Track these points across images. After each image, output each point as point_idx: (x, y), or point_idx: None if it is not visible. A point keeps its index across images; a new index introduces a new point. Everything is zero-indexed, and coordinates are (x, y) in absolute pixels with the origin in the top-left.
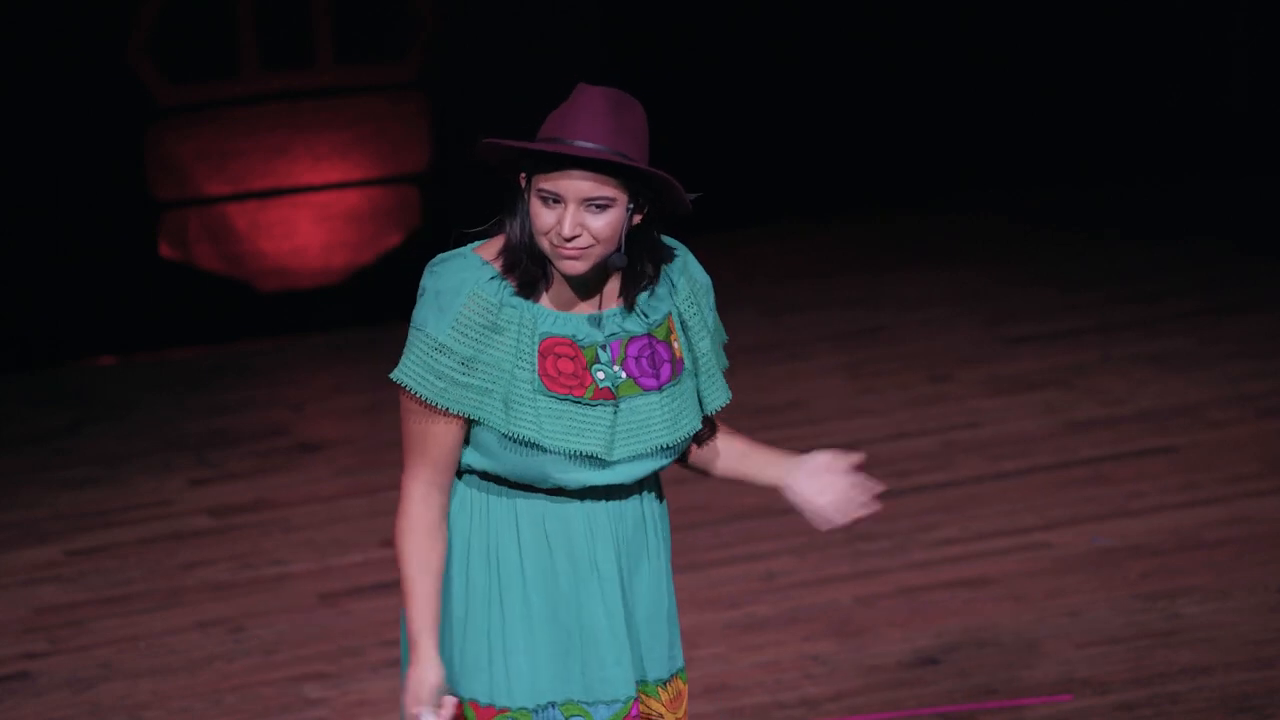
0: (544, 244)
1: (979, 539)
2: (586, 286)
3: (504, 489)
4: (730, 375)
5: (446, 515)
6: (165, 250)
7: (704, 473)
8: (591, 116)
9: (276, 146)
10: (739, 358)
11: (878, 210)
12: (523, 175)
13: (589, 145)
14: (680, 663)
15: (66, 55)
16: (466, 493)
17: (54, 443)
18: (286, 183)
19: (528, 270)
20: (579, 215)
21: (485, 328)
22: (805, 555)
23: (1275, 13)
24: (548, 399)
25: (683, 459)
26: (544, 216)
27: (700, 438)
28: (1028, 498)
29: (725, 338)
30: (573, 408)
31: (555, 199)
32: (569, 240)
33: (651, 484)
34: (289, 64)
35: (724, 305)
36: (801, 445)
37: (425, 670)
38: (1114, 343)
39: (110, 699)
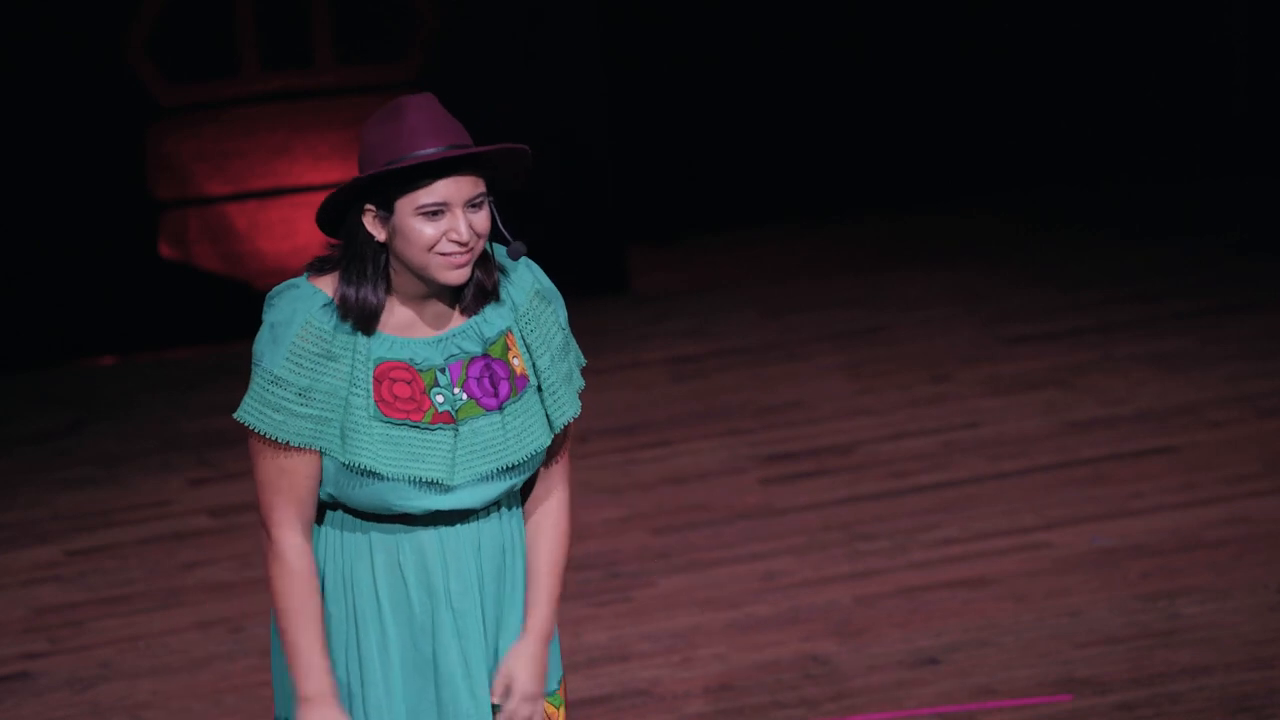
0: (425, 260)
1: (979, 539)
2: (426, 309)
3: (356, 521)
4: (731, 374)
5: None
6: (165, 250)
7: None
8: (434, 121)
9: (276, 146)
10: (740, 357)
11: (878, 210)
12: (370, 211)
13: (457, 147)
14: (553, 686)
15: (66, 55)
16: (318, 528)
17: (54, 443)
18: (286, 183)
19: (366, 312)
20: (467, 217)
21: (320, 356)
22: (805, 555)
23: (1275, 13)
24: (384, 425)
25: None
26: (427, 232)
27: (536, 483)
28: (1028, 498)
29: (582, 361)
30: (410, 433)
31: (439, 209)
32: (465, 244)
33: (511, 512)
34: (289, 64)
35: (724, 305)
36: (802, 445)
37: None
38: (1114, 343)
39: (110, 699)
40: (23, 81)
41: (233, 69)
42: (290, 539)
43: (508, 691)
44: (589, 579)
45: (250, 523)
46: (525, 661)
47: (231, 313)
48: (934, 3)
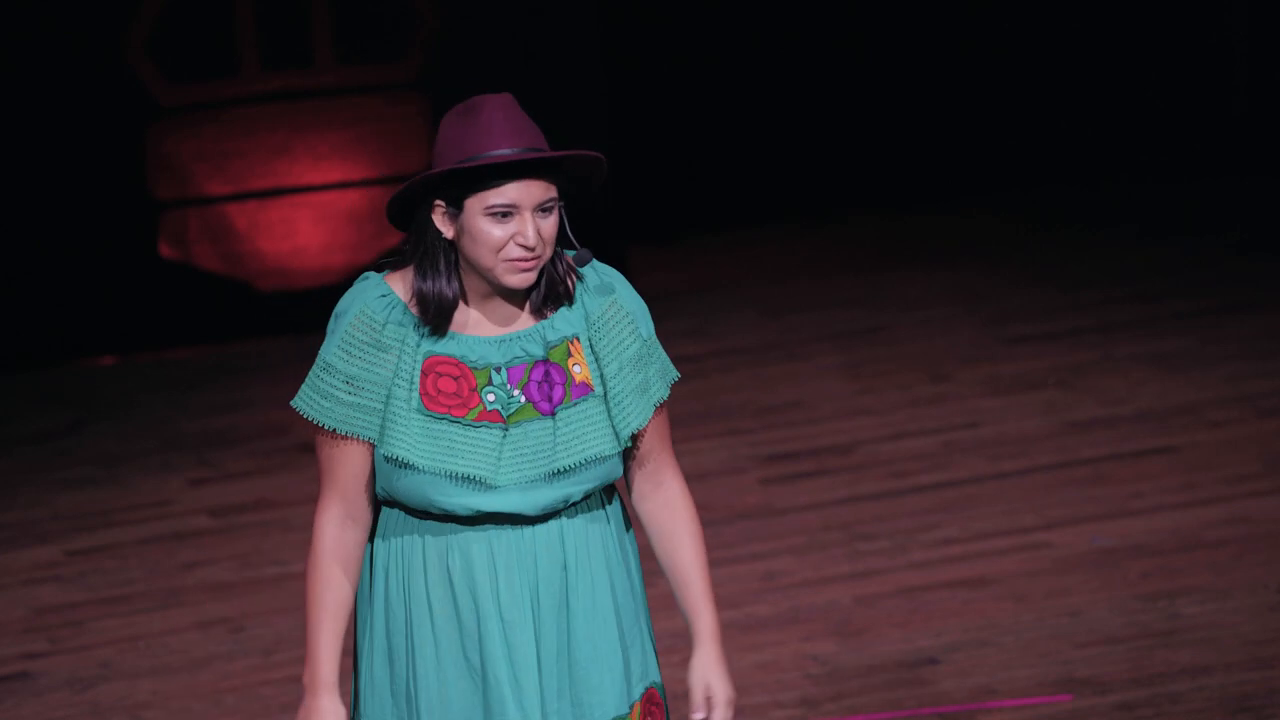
0: (491, 262)
1: (979, 539)
2: (495, 308)
3: (411, 519)
4: (731, 374)
5: (360, 550)
6: (165, 250)
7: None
8: (510, 122)
9: (276, 146)
10: (740, 357)
11: (877, 210)
12: (440, 207)
13: (532, 150)
14: (623, 709)
15: (66, 55)
16: (386, 522)
17: (54, 443)
18: (286, 183)
19: (444, 306)
20: (535, 222)
21: (369, 345)
22: (805, 555)
23: (1275, 13)
24: (424, 418)
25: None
26: (495, 234)
27: (650, 497)
28: (1028, 498)
29: (672, 375)
30: (451, 428)
31: (508, 211)
32: (532, 249)
33: (581, 523)
34: (289, 64)
35: (724, 305)
36: (802, 445)
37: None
38: (1114, 343)
39: (110, 699)
40: (23, 81)
41: (233, 69)
42: (327, 527)
43: (710, 703)
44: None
45: (250, 522)
46: (713, 667)
47: (231, 313)
48: (934, 3)
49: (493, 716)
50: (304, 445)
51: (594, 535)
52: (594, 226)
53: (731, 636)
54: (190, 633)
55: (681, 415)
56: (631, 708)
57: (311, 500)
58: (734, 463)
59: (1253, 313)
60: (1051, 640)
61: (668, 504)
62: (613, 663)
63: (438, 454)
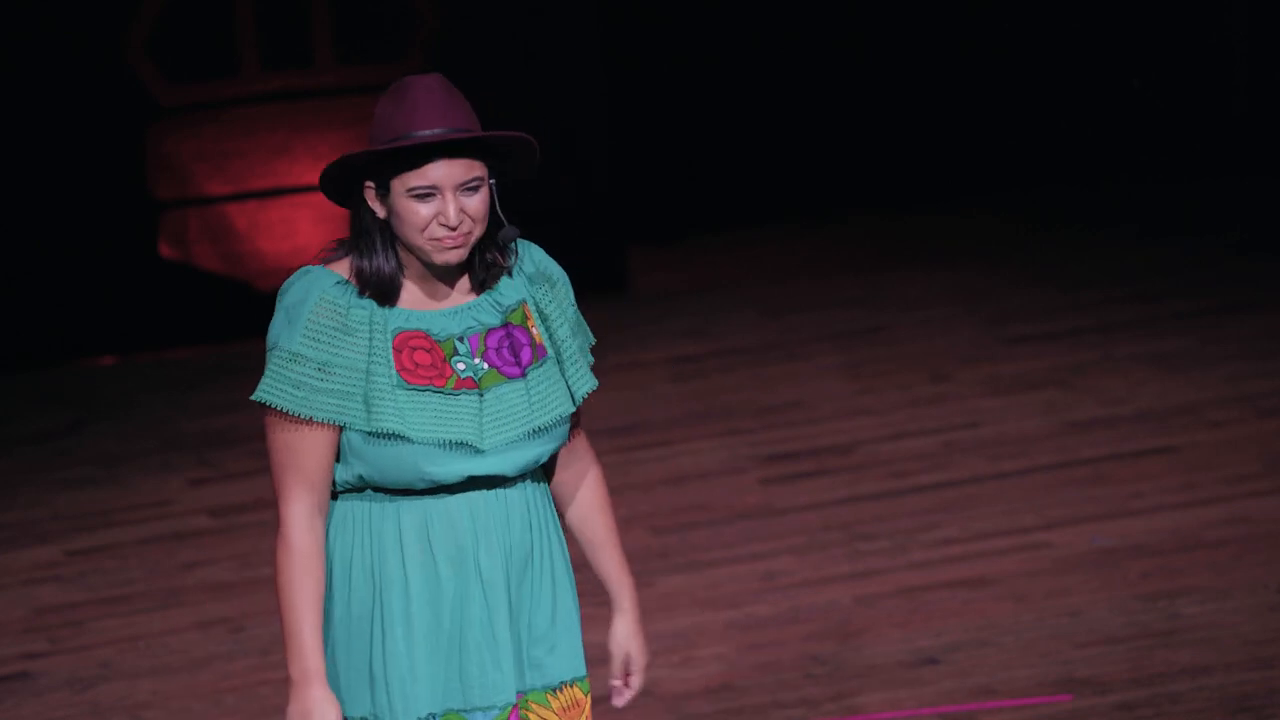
0: (419, 241)
1: (979, 539)
2: (438, 282)
3: (385, 497)
4: (731, 374)
5: (324, 543)
6: (165, 250)
7: (560, 512)
8: (434, 103)
9: (276, 146)
10: (740, 357)
11: (878, 210)
12: (370, 188)
13: (451, 131)
14: (580, 671)
15: (66, 55)
16: (346, 511)
17: (54, 443)
18: (286, 183)
19: (383, 282)
20: (458, 201)
21: (336, 330)
22: (805, 555)
23: (1275, 13)
24: (408, 391)
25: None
26: (420, 213)
27: (566, 465)
28: (1028, 498)
29: (592, 340)
30: (435, 398)
31: (429, 192)
32: (455, 229)
33: (538, 489)
34: (289, 64)
35: (724, 305)
36: (802, 445)
37: (325, 711)
38: (1114, 343)
39: (110, 699)
40: (23, 81)
41: (233, 69)
42: (296, 517)
43: (628, 669)
44: (589, 578)
45: (250, 522)
46: (635, 636)
47: (231, 313)
48: (934, 3)
49: (469, 680)
50: None
51: (545, 504)
52: (595, 226)
53: (731, 636)
54: (190, 633)
55: (681, 415)
56: (565, 684)
57: None
58: (734, 463)
59: (1253, 313)
60: (1051, 640)
61: (584, 473)
62: (569, 624)
63: (427, 424)
